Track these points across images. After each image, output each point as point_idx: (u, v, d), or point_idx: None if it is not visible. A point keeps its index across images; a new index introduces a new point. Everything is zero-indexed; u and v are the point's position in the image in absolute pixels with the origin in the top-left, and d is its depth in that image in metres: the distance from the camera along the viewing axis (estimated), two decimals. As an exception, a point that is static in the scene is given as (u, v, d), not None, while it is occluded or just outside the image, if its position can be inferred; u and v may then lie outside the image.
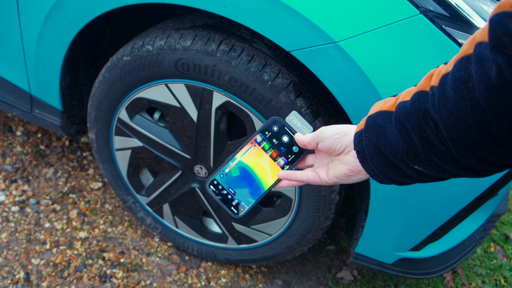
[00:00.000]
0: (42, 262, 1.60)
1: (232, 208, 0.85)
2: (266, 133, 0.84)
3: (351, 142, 0.73)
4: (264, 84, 1.11)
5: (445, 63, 0.60)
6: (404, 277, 1.43)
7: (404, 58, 0.97)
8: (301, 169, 0.85)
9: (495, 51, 0.48)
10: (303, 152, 0.84)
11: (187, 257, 1.72)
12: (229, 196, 0.85)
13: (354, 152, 0.72)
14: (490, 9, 1.03)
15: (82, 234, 1.71)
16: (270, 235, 1.45)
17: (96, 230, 1.73)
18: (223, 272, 1.70)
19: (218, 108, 1.21)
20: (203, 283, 1.65)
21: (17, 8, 1.29)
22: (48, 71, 1.39)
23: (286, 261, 1.77)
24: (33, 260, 1.60)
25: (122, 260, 1.66)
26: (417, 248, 1.32)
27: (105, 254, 1.66)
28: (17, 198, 1.77)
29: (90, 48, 1.44)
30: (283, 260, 1.54)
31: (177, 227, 1.61)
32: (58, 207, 1.78)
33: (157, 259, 1.69)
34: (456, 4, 0.98)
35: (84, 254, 1.65)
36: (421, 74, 0.96)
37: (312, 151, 0.84)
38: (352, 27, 0.96)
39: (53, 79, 1.41)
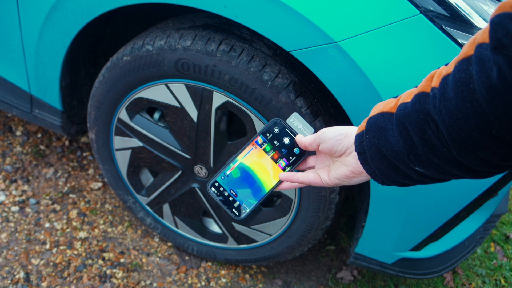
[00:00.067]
0: (42, 262, 1.60)
1: (233, 210, 0.85)
2: (267, 135, 0.84)
3: (352, 143, 0.73)
4: (264, 84, 1.11)
5: (446, 65, 0.60)
6: (404, 277, 1.43)
7: (404, 58, 0.97)
8: (302, 170, 0.85)
9: (496, 52, 0.48)
10: (304, 154, 0.84)
11: (187, 257, 1.72)
12: (231, 198, 0.85)
13: (355, 154, 0.72)
14: (490, 9, 1.03)
15: (82, 234, 1.71)
16: (270, 235, 1.45)
17: (96, 230, 1.73)
18: (223, 272, 1.70)
19: (218, 108, 1.21)
20: (203, 283, 1.65)
21: (17, 8, 1.29)
22: (48, 71, 1.39)
23: (286, 261, 1.77)
24: (33, 260, 1.60)
25: (122, 260, 1.66)
26: (417, 248, 1.32)
27: (105, 254, 1.66)
28: (17, 198, 1.77)
29: (90, 48, 1.44)
30: (283, 260, 1.54)
31: (177, 227, 1.61)
32: (58, 207, 1.78)
33: (157, 259, 1.69)
34: (456, 4, 0.98)
35: (84, 254, 1.65)
36: (421, 74, 0.96)
37: (313, 153, 0.84)
38: (352, 27, 0.96)
39: (53, 79, 1.41)
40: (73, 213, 1.77)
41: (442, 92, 0.56)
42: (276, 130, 0.84)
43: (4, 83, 1.52)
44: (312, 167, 0.84)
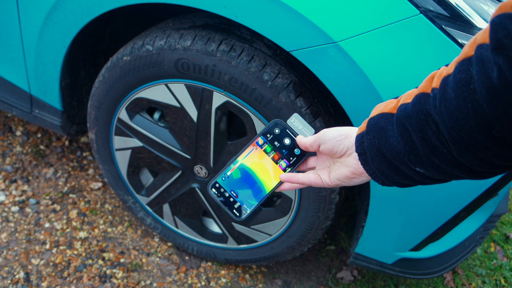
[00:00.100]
0: (42, 262, 1.60)
1: (234, 211, 0.85)
2: (268, 135, 0.84)
3: (353, 144, 0.73)
4: (264, 84, 1.11)
5: (446, 65, 0.60)
6: (404, 277, 1.43)
7: (404, 58, 0.97)
8: (303, 171, 0.85)
9: (496, 53, 0.48)
10: (305, 155, 0.84)
11: (187, 257, 1.72)
12: (231, 199, 0.85)
13: (355, 154, 0.72)
14: (490, 9, 1.03)
15: (82, 234, 1.71)
16: (270, 235, 1.45)
17: (96, 230, 1.73)
18: (223, 272, 1.70)
19: (218, 108, 1.21)
20: (203, 283, 1.65)
21: (17, 8, 1.29)
22: (48, 71, 1.39)
23: (286, 261, 1.77)
24: (33, 260, 1.60)
25: (122, 260, 1.66)
26: (417, 248, 1.32)
27: (105, 254, 1.66)
28: (17, 198, 1.77)
29: (90, 48, 1.44)
30: (283, 260, 1.54)
31: (177, 227, 1.61)
32: (58, 207, 1.78)
33: (157, 259, 1.69)
34: (456, 4, 0.98)
35: (84, 254, 1.65)
36: (421, 74, 0.96)
37: (314, 154, 0.84)
38: (352, 27, 0.96)
39: (53, 79, 1.41)
40: (73, 213, 1.77)
41: (443, 93, 0.56)
42: (277, 131, 0.84)
43: (4, 83, 1.52)
44: (313, 168, 0.84)
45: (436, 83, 0.59)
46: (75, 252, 1.65)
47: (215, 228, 1.60)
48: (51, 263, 1.60)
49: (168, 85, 1.23)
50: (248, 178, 0.84)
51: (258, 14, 1.00)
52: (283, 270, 1.75)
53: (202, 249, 1.63)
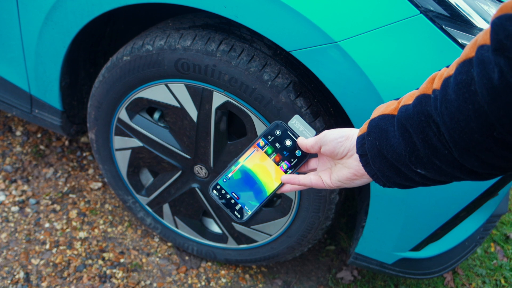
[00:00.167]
0: (42, 262, 1.60)
1: (235, 212, 0.85)
2: (269, 137, 0.84)
3: (354, 145, 0.73)
4: (264, 84, 1.11)
5: (447, 66, 0.60)
6: (404, 277, 1.43)
7: (404, 58, 0.97)
8: (304, 173, 0.85)
9: (497, 54, 0.48)
10: (306, 156, 0.84)
11: (187, 257, 1.72)
12: (233, 201, 0.85)
13: (356, 156, 0.72)
14: (490, 9, 1.03)
15: (82, 234, 1.71)
16: (270, 235, 1.45)
17: (96, 230, 1.73)
18: (223, 272, 1.70)
19: (218, 108, 1.21)
20: (203, 283, 1.65)
21: (17, 8, 1.29)
22: (48, 71, 1.39)
23: (286, 261, 1.77)
24: (33, 260, 1.60)
25: (122, 260, 1.66)
26: (417, 248, 1.32)
27: (105, 254, 1.66)
28: (16, 198, 1.77)
29: (90, 48, 1.44)
30: (283, 260, 1.54)
31: (177, 227, 1.61)
32: (58, 207, 1.78)
33: (157, 259, 1.69)
34: (456, 4, 0.98)
35: (84, 254, 1.65)
36: (422, 74, 0.96)
37: (315, 155, 0.84)
38: (352, 27, 0.95)
39: (53, 79, 1.41)
40: (73, 213, 1.77)
41: (444, 94, 0.56)
42: (278, 132, 0.84)
43: (4, 83, 1.52)
44: (314, 170, 0.84)
45: (437, 85, 0.59)
46: (75, 252, 1.65)
47: (215, 228, 1.60)
48: (51, 263, 1.60)
49: (168, 85, 1.23)
50: (249, 180, 0.84)
51: (258, 14, 1.00)
52: (283, 270, 1.75)
53: (202, 249, 1.63)
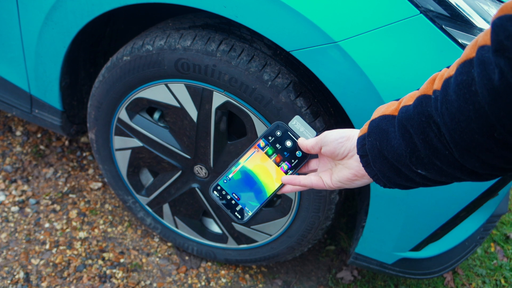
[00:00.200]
0: (41, 262, 1.60)
1: (236, 213, 0.85)
2: (269, 138, 0.84)
3: (354, 146, 0.73)
4: (264, 84, 1.11)
5: (448, 67, 0.60)
6: (404, 277, 1.43)
7: (404, 58, 0.97)
8: (305, 173, 0.85)
9: (498, 54, 0.48)
10: (307, 157, 0.84)
11: (187, 257, 1.72)
12: (233, 202, 0.85)
13: (357, 157, 0.72)
14: (490, 9, 1.03)
15: (82, 234, 1.71)
16: (270, 235, 1.45)
17: (96, 230, 1.73)
18: (223, 272, 1.70)
19: (218, 108, 1.21)
20: (203, 283, 1.65)
21: (16, 8, 1.29)
22: (48, 71, 1.39)
23: (286, 261, 1.77)
24: (32, 260, 1.60)
25: (122, 260, 1.66)
26: (417, 248, 1.32)
27: (105, 254, 1.66)
28: (16, 198, 1.77)
29: (90, 48, 1.44)
30: (283, 260, 1.54)
31: (177, 227, 1.61)
32: (57, 207, 1.78)
33: (157, 259, 1.69)
34: (456, 4, 0.98)
35: (84, 254, 1.65)
36: (422, 74, 0.96)
37: (315, 156, 0.84)
38: (352, 27, 0.95)
39: (53, 79, 1.41)
40: (73, 213, 1.77)
41: (444, 95, 0.56)
42: (278, 133, 0.84)
43: (4, 83, 1.52)
44: (314, 170, 0.84)
45: (437, 85, 0.59)
46: (75, 252, 1.65)
47: (215, 228, 1.60)
48: (51, 263, 1.60)
49: (168, 85, 1.22)
50: (249, 181, 0.84)
51: (258, 14, 1.00)
52: (283, 270, 1.75)
53: (202, 249, 1.63)
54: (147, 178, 1.57)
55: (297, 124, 0.84)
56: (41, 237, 1.67)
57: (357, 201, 1.73)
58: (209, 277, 1.67)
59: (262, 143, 0.84)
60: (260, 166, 0.84)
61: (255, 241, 1.50)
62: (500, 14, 0.48)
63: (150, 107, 1.35)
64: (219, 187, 0.85)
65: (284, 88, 1.11)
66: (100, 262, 1.64)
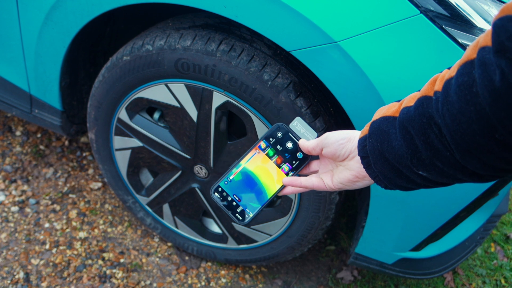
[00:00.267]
0: (41, 262, 1.60)
1: (237, 215, 0.85)
2: (270, 139, 0.84)
3: (355, 147, 0.73)
4: (264, 84, 1.11)
5: (449, 68, 0.60)
6: (405, 277, 1.42)
7: (404, 58, 0.97)
8: (306, 175, 0.85)
9: (499, 55, 0.48)
10: (308, 158, 0.84)
11: (187, 257, 1.72)
12: (234, 203, 0.85)
13: (358, 158, 0.72)
14: (490, 9, 1.03)
15: (82, 234, 1.71)
16: (270, 235, 1.45)
17: (96, 230, 1.73)
18: (223, 272, 1.70)
19: (218, 108, 1.21)
20: (203, 283, 1.65)
21: (16, 8, 1.29)
22: (48, 71, 1.39)
23: (286, 261, 1.77)
24: (32, 260, 1.59)
25: (122, 260, 1.66)
26: (417, 248, 1.32)
27: (105, 254, 1.66)
28: (16, 198, 1.77)
29: (90, 48, 1.44)
30: (283, 260, 1.54)
31: (177, 227, 1.61)
32: (57, 207, 1.78)
33: (157, 259, 1.69)
34: (457, 4, 0.98)
35: (83, 254, 1.65)
36: (422, 74, 0.96)
37: (316, 157, 0.84)
38: (352, 27, 0.95)
39: (52, 79, 1.41)
40: (73, 213, 1.77)
41: (445, 96, 0.56)
42: (279, 134, 0.84)
43: (4, 83, 1.52)
44: (315, 172, 0.84)
45: (438, 86, 0.58)
46: (75, 252, 1.65)
47: (215, 228, 1.59)
48: (51, 263, 1.60)
49: (168, 85, 1.22)
50: (250, 182, 0.84)
51: (258, 14, 1.00)
52: (283, 270, 1.75)
53: (202, 249, 1.63)
54: (147, 178, 1.57)
55: (298, 125, 0.84)
56: (41, 237, 1.67)
57: (357, 201, 1.73)
58: (209, 277, 1.67)
59: (263, 144, 0.84)
60: (261, 167, 0.84)
61: (255, 241, 1.50)
62: (501, 15, 0.48)
63: (150, 107, 1.35)
64: (220, 189, 0.85)
65: (284, 88, 1.11)
66: (100, 262, 1.64)
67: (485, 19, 1.00)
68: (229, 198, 0.85)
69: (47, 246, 1.65)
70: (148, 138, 1.38)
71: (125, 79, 1.27)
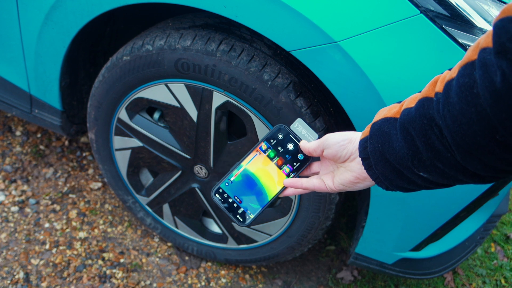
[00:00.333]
0: (41, 262, 1.60)
1: (238, 216, 0.85)
2: (271, 141, 0.84)
3: (356, 149, 0.73)
4: (264, 84, 1.11)
5: (450, 69, 0.60)
6: (405, 277, 1.42)
7: (404, 58, 0.97)
8: (307, 176, 0.85)
9: (500, 56, 0.48)
10: (309, 160, 0.84)
11: (187, 257, 1.72)
12: (235, 205, 0.85)
13: (359, 159, 0.72)
14: (490, 9, 1.03)
15: (82, 234, 1.71)
16: (270, 235, 1.45)
17: (96, 230, 1.73)
18: (223, 272, 1.70)
19: (218, 108, 1.21)
20: (203, 283, 1.65)
21: (16, 8, 1.29)
22: (48, 71, 1.39)
23: (286, 261, 1.77)
24: (32, 261, 1.59)
25: (121, 260, 1.66)
26: (417, 248, 1.32)
27: (104, 254, 1.66)
28: (16, 198, 1.77)
29: (90, 48, 1.44)
30: (283, 260, 1.54)
31: (177, 227, 1.61)
32: (57, 207, 1.78)
33: (157, 259, 1.69)
34: (457, 4, 0.98)
35: (83, 254, 1.65)
36: (422, 74, 0.96)
37: (317, 159, 0.84)
38: (352, 27, 0.95)
39: (52, 79, 1.41)
40: (73, 213, 1.77)
41: (446, 97, 0.56)
42: (280, 136, 0.84)
43: (4, 83, 1.52)
44: (316, 173, 0.84)
45: (439, 88, 0.58)
46: (75, 252, 1.65)
47: (215, 228, 1.59)
48: (50, 263, 1.60)
49: (168, 85, 1.22)
50: (251, 184, 0.84)
51: (258, 14, 1.00)
52: (283, 270, 1.75)
53: (202, 249, 1.63)
54: (147, 178, 1.57)
55: (299, 126, 0.84)
56: (41, 237, 1.67)
57: (357, 201, 1.73)
58: (209, 277, 1.67)
59: (264, 146, 0.84)
60: (262, 169, 0.84)
61: (255, 241, 1.50)
62: (502, 16, 0.48)
63: (150, 107, 1.35)
64: (221, 190, 0.85)
65: (284, 88, 1.11)
66: (100, 262, 1.64)
67: (485, 19, 1.00)
68: (230, 200, 0.85)
69: (47, 246, 1.65)
70: (148, 138, 1.38)
71: (125, 79, 1.27)
